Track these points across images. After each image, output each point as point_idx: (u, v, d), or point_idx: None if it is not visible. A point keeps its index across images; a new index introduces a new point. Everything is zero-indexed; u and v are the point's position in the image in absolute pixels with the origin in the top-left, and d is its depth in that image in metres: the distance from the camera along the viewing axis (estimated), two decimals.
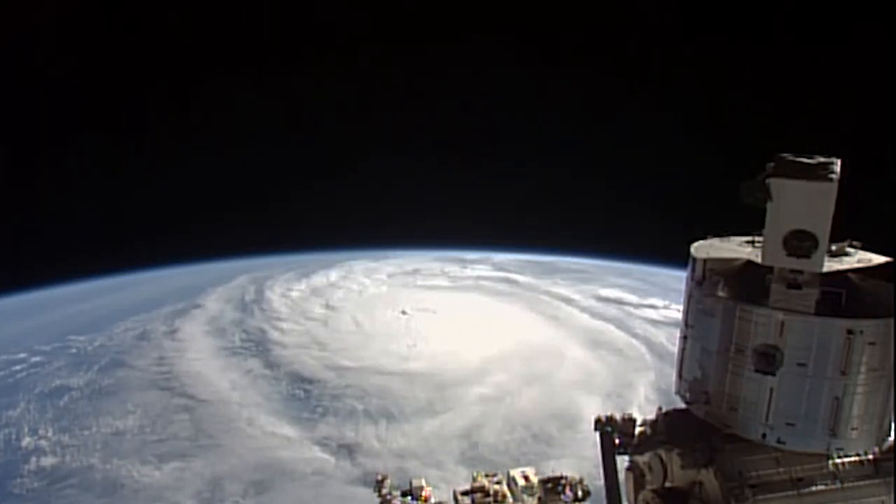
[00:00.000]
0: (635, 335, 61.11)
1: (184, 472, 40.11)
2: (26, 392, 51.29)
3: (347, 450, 42.66)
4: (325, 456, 42.18)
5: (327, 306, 72.44)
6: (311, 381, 52.55)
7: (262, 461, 41.17)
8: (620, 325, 64.28)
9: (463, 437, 43.75)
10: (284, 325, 66.21)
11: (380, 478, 9.42)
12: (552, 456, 39.28)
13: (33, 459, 41.73)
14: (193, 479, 39.45)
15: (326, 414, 47.42)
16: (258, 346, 60.81)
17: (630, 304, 70.67)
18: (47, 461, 41.56)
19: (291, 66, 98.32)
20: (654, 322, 63.77)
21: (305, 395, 50.57)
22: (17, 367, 56.07)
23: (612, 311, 68.83)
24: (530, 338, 59.97)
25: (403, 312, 67.87)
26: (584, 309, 69.67)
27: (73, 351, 59.81)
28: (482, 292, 76.33)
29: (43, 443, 43.64)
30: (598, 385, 50.85)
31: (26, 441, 43.92)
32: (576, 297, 73.79)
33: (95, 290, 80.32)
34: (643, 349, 57.61)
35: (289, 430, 45.26)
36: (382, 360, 55.94)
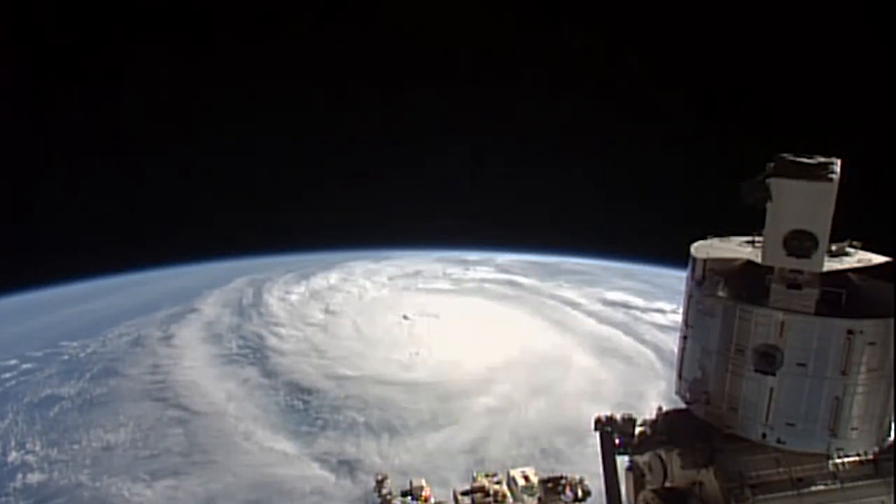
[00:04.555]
0: (643, 341, 59.51)
1: (176, 491, 38.76)
2: (15, 402, 49.89)
3: (348, 466, 41.26)
4: (325, 473, 40.76)
5: (327, 311, 71.06)
6: (310, 392, 51.24)
7: (259, 479, 39.79)
8: (628, 330, 62.59)
9: (469, 452, 42.26)
10: (283, 331, 64.97)
11: (380, 478, 9.40)
12: (561, 472, 38.16)
13: (19, 476, 40.23)
14: (186, 498, 38.15)
15: (326, 427, 46.02)
16: (256, 354, 59.55)
17: (637, 308, 69.07)
18: (34, 478, 40.10)
19: (287, 64, 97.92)
20: (662, 327, 61.90)
21: (304, 407, 49.21)
22: (7, 375, 54.73)
23: (618, 315, 67.25)
24: (536, 344, 58.57)
25: (405, 317, 66.74)
26: (590, 313, 68.18)
27: (66, 357, 58.57)
28: (485, 296, 74.93)
29: (30, 458, 42.23)
30: (606, 395, 49.39)
31: (13, 456, 42.44)
32: (581, 300, 72.22)
33: (91, 292, 78.81)
34: (652, 356, 56.08)
35: (287, 445, 43.84)
36: (384, 369, 54.63)
